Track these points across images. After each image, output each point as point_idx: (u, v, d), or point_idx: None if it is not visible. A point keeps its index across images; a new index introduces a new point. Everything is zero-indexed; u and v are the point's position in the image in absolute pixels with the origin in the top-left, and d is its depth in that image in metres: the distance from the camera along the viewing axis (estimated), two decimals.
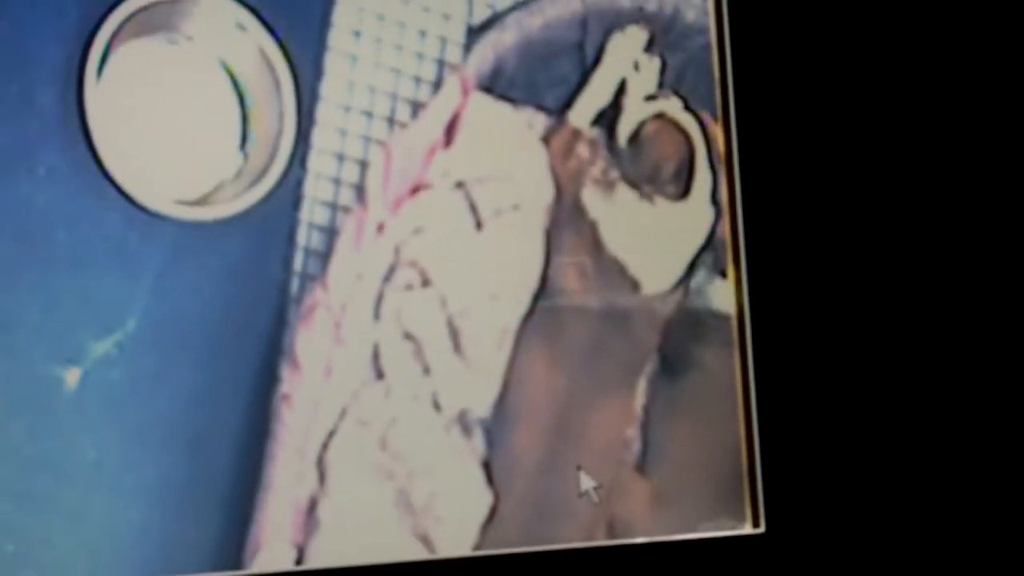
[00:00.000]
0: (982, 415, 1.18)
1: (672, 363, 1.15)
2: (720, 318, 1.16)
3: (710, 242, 1.17)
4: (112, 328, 1.05)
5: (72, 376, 1.04)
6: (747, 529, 1.14)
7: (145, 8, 1.08)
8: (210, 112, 1.09)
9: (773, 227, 1.17)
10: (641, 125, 1.17)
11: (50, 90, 1.06)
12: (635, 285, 1.15)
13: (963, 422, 1.17)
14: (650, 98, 1.17)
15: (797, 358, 1.15)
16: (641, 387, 1.14)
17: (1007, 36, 1.21)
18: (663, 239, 1.16)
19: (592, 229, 1.15)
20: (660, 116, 1.18)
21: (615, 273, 1.15)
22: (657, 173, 1.17)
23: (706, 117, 1.18)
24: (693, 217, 1.17)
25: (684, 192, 1.17)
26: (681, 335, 1.15)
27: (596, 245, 1.15)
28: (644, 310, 1.15)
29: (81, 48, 1.06)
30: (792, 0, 1.18)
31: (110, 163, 1.06)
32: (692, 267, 1.16)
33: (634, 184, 1.16)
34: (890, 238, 1.18)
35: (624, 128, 1.17)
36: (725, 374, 1.16)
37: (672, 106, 1.18)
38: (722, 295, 1.16)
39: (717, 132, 1.18)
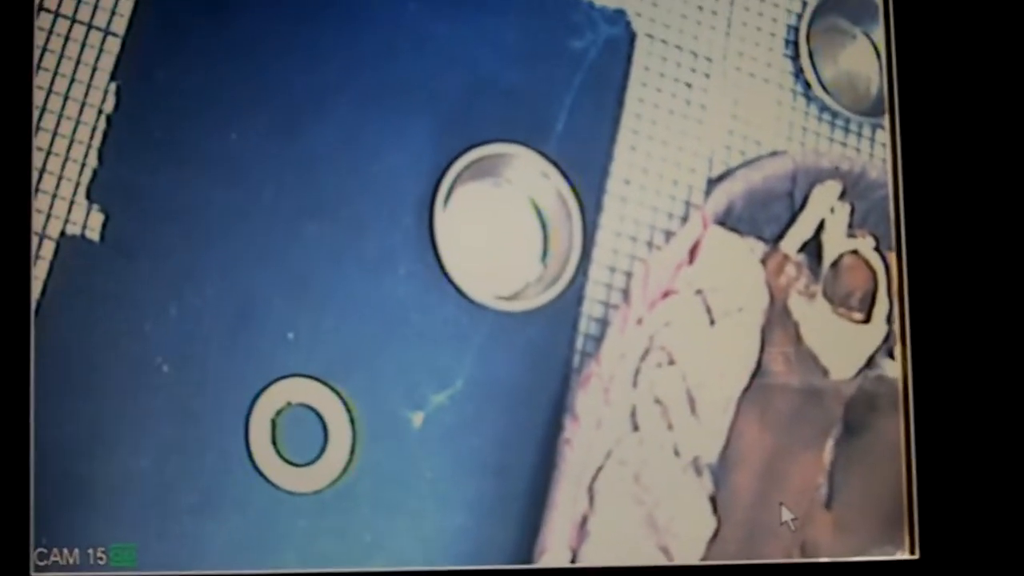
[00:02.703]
0: None
1: (852, 428, 1.17)
2: (889, 391, 1.17)
3: (884, 345, 1.19)
4: (447, 385, 1.12)
5: (418, 418, 1.11)
6: (904, 555, 1.15)
7: (479, 160, 1.15)
8: (521, 234, 1.15)
9: (932, 335, 1.18)
10: (840, 256, 1.19)
11: (411, 214, 1.13)
12: (825, 372, 1.18)
13: None
14: (851, 236, 1.19)
15: (949, 420, 1.15)
16: (829, 446, 1.16)
17: None
18: (849, 342, 1.18)
19: (795, 328, 1.18)
20: (855, 252, 1.20)
21: (810, 361, 1.17)
22: (848, 298, 1.18)
23: (890, 256, 1.19)
24: (872, 331, 1.19)
25: (867, 318, 1.19)
26: (860, 408, 1.17)
27: (797, 339, 1.17)
28: (832, 390, 1.17)
29: (433, 185, 1.13)
30: (956, 159, 1.19)
31: (450, 268, 1.13)
32: (869, 362, 1.18)
33: (830, 300, 1.18)
34: None
35: (827, 256, 1.19)
36: (892, 433, 1.17)
37: (865, 245, 1.20)
38: (891, 375, 1.18)
39: (892, 263, 1.20)
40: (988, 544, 1.16)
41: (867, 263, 1.19)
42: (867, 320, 1.18)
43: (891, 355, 1.19)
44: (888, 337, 1.19)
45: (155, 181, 1.14)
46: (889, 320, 1.19)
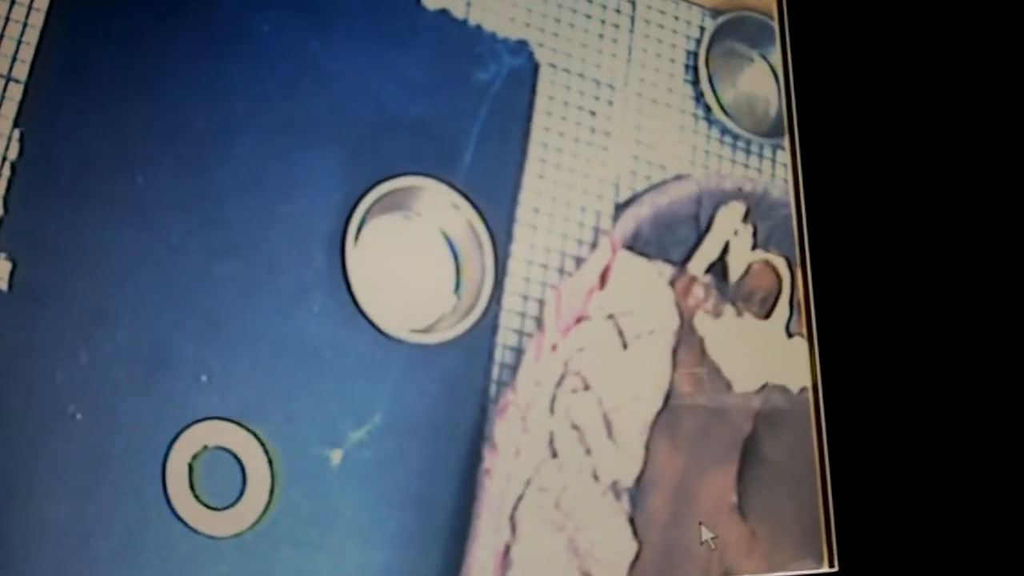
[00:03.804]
0: None
1: (764, 443, 1.15)
2: (798, 405, 1.16)
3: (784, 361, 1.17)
4: (364, 420, 1.08)
5: (336, 455, 1.07)
6: (824, 568, 1.13)
7: (388, 194, 1.12)
8: (433, 266, 1.12)
9: (839, 347, 1.17)
10: (748, 267, 1.18)
11: (322, 250, 1.09)
12: (729, 386, 1.15)
13: (1014, 467, 1.15)
14: (755, 248, 1.18)
15: (861, 433, 1.14)
16: (741, 462, 1.14)
17: None
18: (752, 354, 1.17)
19: (701, 345, 1.16)
20: (764, 261, 1.19)
21: (716, 377, 1.15)
22: (751, 296, 1.17)
23: (796, 271, 1.18)
24: (774, 340, 1.18)
25: (767, 316, 1.17)
26: (770, 422, 1.15)
27: (703, 356, 1.15)
28: (739, 406, 1.15)
29: (344, 221, 1.10)
30: (855, 175, 1.19)
31: (363, 303, 1.09)
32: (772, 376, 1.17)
33: (733, 303, 1.17)
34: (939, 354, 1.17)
35: (733, 272, 1.18)
36: (806, 447, 1.15)
37: (772, 255, 1.19)
38: (797, 388, 1.16)
39: (798, 278, 1.18)
40: (906, 554, 1.14)
41: (774, 269, 1.18)
42: (767, 317, 1.17)
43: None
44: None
45: (62, 226, 1.07)
46: (788, 329, 1.17)
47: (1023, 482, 1.15)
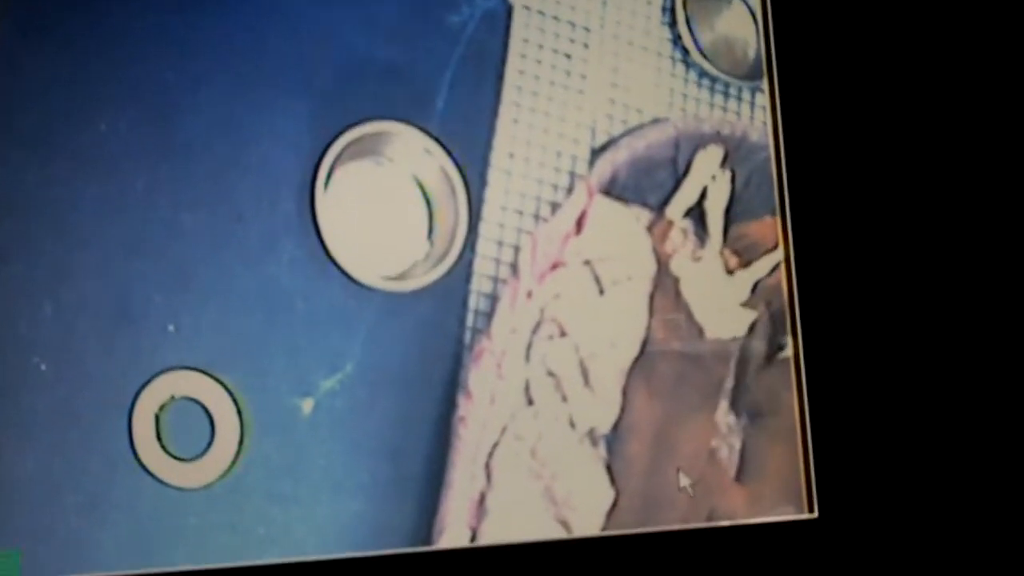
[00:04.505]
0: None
1: (744, 390, 1.11)
2: (779, 350, 1.12)
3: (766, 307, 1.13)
4: (336, 369, 1.04)
5: (307, 405, 1.03)
6: (804, 515, 1.10)
7: (358, 140, 1.07)
8: (406, 212, 1.08)
9: (822, 300, 1.13)
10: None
11: (291, 199, 1.05)
12: (702, 332, 1.12)
13: (1006, 415, 1.11)
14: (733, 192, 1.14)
15: (843, 372, 1.11)
16: (721, 408, 1.10)
17: None
18: (730, 301, 1.13)
19: (678, 291, 1.12)
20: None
21: (692, 324, 1.12)
22: (740, 240, 1.14)
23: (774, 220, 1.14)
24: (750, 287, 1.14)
25: (748, 264, 1.14)
26: (749, 369, 1.12)
27: (681, 303, 1.12)
28: (717, 352, 1.11)
29: (313, 168, 1.05)
30: (836, 119, 1.14)
31: (334, 250, 1.05)
32: (753, 324, 1.13)
33: (720, 246, 1.13)
34: (926, 307, 1.13)
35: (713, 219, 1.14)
36: (786, 394, 1.11)
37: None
38: (776, 338, 1.12)
39: (778, 228, 1.14)
40: (888, 500, 1.10)
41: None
42: (747, 266, 1.13)
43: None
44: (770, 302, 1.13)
45: (24, 179, 1.03)
46: (756, 287, 1.13)
47: (1004, 428, 1.11)
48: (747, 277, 1.14)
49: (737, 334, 1.12)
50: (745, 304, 1.13)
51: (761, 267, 1.14)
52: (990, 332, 1.13)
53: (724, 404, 1.11)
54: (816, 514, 1.09)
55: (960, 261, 1.14)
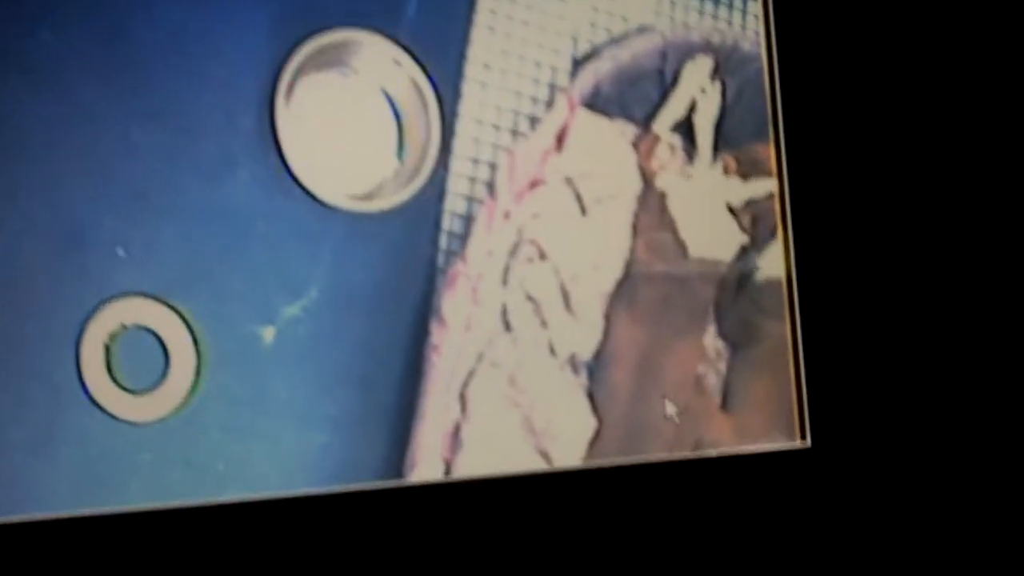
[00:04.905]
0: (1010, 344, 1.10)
1: (734, 316, 1.09)
2: (770, 278, 1.10)
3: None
4: (300, 295, 1.00)
5: (268, 333, 1.00)
6: (796, 443, 1.07)
7: (321, 49, 1.03)
8: (374, 127, 1.04)
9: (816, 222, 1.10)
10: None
11: (250, 113, 1.01)
12: (693, 253, 1.09)
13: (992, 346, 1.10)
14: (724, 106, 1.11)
15: (835, 308, 1.09)
16: (709, 333, 1.08)
17: None
18: (721, 219, 1.10)
19: (667, 211, 1.09)
20: None
21: (681, 246, 1.09)
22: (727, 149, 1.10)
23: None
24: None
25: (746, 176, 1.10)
26: (740, 295, 1.09)
27: (670, 223, 1.09)
28: (706, 274, 1.09)
29: (273, 79, 1.01)
30: (829, 30, 1.12)
31: (296, 168, 1.01)
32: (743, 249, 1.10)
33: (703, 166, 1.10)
34: (917, 217, 1.11)
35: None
36: (778, 323, 1.09)
37: None
38: (769, 257, 1.10)
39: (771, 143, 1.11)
40: (885, 427, 1.08)
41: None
42: (746, 178, 1.10)
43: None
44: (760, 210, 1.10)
45: None
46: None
47: (994, 357, 1.10)
48: (742, 191, 1.10)
49: (726, 256, 1.09)
50: (735, 224, 1.09)
51: (759, 187, 1.10)
52: (987, 256, 1.11)
53: (712, 328, 1.08)
54: (809, 443, 1.07)
55: (961, 183, 1.11)
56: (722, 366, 1.07)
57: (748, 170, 1.10)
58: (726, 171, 1.08)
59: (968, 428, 1.08)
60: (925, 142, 1.10)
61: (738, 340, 1.07)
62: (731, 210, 1.09)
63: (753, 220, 1.09)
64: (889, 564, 1.06)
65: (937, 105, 1.11)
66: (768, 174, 1.09)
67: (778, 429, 1.07)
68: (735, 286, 1.08)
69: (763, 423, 1.07)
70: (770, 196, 1.09)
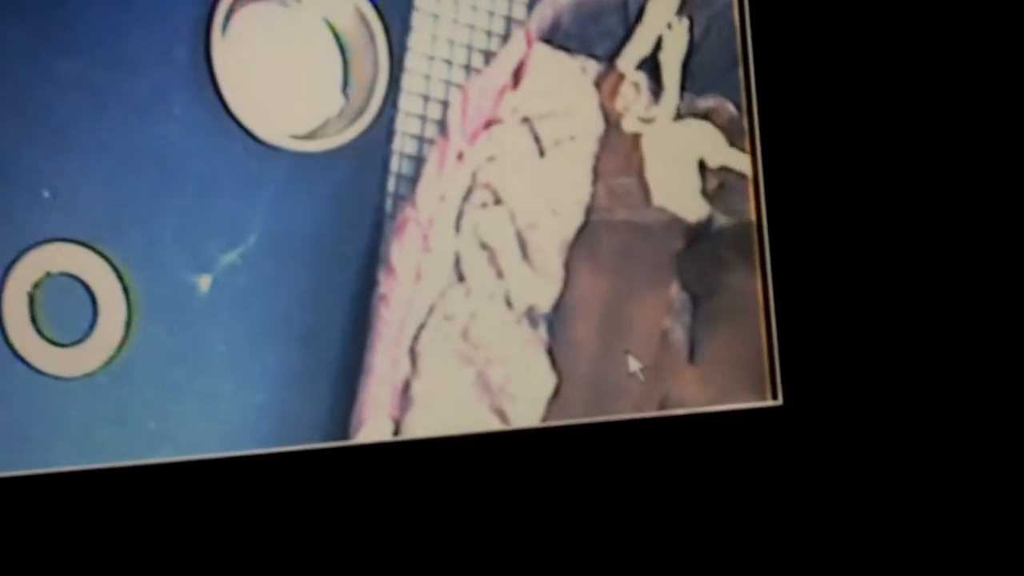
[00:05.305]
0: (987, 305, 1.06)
1: (702, 270, 1.05)
2: (741, 230, 1.05)
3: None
4: (237, 242, 0.99)
5: (204, 282, 0.99)
6: (768, 401, 1.04)
7: None
8: (316, 61, 1.02)
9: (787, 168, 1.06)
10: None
11: (184, 45, 1.00)
12: (657, 199, 1.05)
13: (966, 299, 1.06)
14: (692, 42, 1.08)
15: (806, 264, 1.05)
16: (675, 286, 1.04)
17: None
18: (690, 164, 1.06)
19: (634, 155, 1.05)
20: None
21: (646, 191, 1.05)
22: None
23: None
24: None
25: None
26: (708, 248, 1.05)
27: (636, 169, 1.05)
28: (671, 224, 1.05)
29: (208, 10, 1.00)
30: None
31: (234, 105, 1.00)
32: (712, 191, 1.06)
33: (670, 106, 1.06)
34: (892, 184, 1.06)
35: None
36: (748, 278, 1.05)
37: None
38: (736, 199, 1.06)
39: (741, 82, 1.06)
40: (859, 384, 1.04)
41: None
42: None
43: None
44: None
45: None
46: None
47: (971, 313, 1.05)
48: (715, 155, 1.06)
49: (692, 204, 1.05)
50: (702, 171, 1.05)
51: (737, 159, 1.06)
52: (967, 206, 1.06)
53: (677, 280, 1.04)
54: (780, 401, 1.03)
55: (940, 134, 1.06)
56: (688, 319, 1.04)
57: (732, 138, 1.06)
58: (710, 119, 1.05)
59: (944, 384, 1.04)
60: (906, 74, 1.06)
61: (706, 292, 1.04)
62: (702, 167, 1.06)
63: (720, 186, 1.06)
64: (863, 526, 1.04)
65: (917, 38, 1.06)
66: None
67: (750, 387, 1.04)
68: (700, 235, 1.05)
69: (734, 380, 1.04)
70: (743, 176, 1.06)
